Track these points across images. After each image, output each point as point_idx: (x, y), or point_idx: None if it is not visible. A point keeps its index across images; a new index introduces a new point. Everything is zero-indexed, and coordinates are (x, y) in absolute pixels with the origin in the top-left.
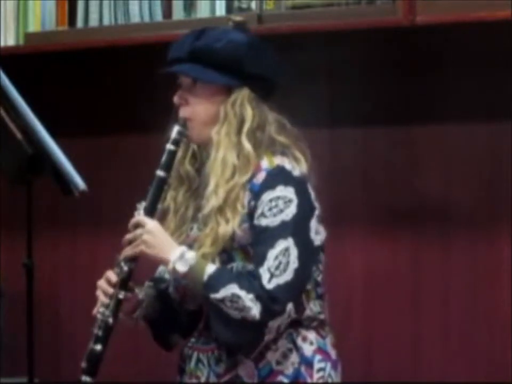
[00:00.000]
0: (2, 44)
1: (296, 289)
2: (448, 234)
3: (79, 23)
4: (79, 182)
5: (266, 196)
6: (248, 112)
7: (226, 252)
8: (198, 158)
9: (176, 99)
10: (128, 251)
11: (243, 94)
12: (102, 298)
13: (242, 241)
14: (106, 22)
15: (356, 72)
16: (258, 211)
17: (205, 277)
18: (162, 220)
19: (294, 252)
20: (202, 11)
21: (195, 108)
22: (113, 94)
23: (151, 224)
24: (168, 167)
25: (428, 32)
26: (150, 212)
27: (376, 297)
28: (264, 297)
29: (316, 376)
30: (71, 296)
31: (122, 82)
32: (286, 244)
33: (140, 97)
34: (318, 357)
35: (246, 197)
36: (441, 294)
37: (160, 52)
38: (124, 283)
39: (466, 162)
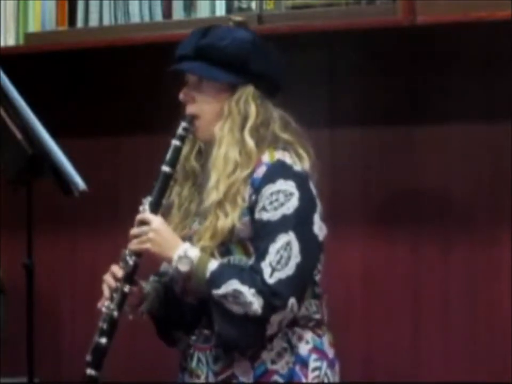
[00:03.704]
0: (2, 44)
1: (298, 283)
2: (448, 234)
3: (79, 23)
4: (79, 182)
5: (267, 190)
6: (252, 109)
7: (225, 245)
8: (203, 154)
9: (181, 96)
10: (133, 246)
11: (247, 91)
12: (106, 292)
13: (242, 235)
14: (106, 22)
15: (356, 72)
16: (259, 205)
17: (207, 274)
18: (167, 214)
19: (295, 246)
20: (202, 11)
21: (201, 105)
22: (113, 94)
23: (157, 222)
24: (173, 163)
25: (427, 32)
26: (155, 208)
27: (375, 297)
28: (266, 291)
29: (311, 375)
30: (71, 296)
31: (122, 82)
32: (287, 237)
33: (140, 97)
34: (313, 356)
35: (247, 191)
36: (441, 294)
37: (160, 52)
38: (129, 277)
39: (466, 162)
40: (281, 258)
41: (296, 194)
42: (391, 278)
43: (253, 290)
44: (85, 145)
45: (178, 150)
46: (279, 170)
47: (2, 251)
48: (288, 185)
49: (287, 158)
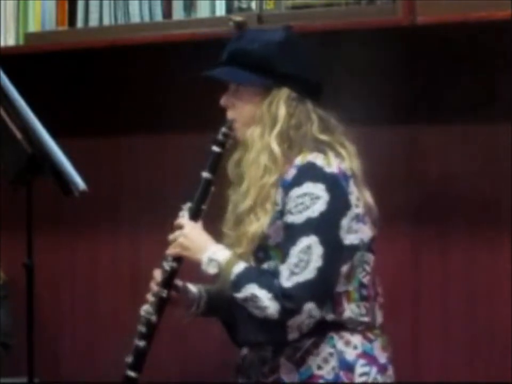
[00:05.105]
0: (2, 44)
1: (319, 288)
2: (448, 235)
3: (79, 23)
4: (79, 182)
5: (294, 193)
6: (281, 112)
7: (264, 250)
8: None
9: (222, 101)
10: (169, 251)
11: (280, 94)
12: (148, 297)
13: (277, 239)
14: (106, 22)
15: (356, 72)
16: (287, 208)
17: (232, 276)
18: (221, 218)
19: (317, 250)
20: (202, 11)
21: (239, 110)
22: (113, 94)
23: (189, 227)
24: (213, 169)
25: (428, 32)
26: (194, 214)
27: None
28: (280, 295)
29: (358, 380)
30: (71, 296)
31: (122, 82)
32: (309, 241)
33: (140, 97)
34: (361, 361)
35: (278, 194)
36: (441, 295)
37: (160, 52)
38: (167, 282)
39: (466, 163)
40: (300, 261)
41: (325, 197)
42: (391, 278)
43: (270, 295)
44: (85, 145)
45: (218, 156)
46: (307, 173)
47: (2, 251)
48: (316, 188)
49: (319, 159)
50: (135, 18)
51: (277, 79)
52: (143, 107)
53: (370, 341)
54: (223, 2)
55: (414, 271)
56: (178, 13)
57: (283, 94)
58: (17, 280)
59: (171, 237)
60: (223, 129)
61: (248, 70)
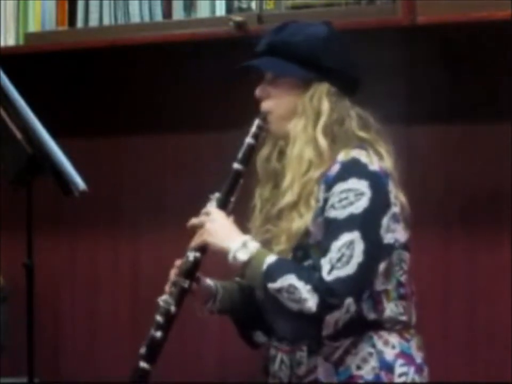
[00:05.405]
0: (2, 44)
1: (358, 284)
2: (448, 235)
3: (79, 23)
4: (79, 182)
5: (338, 188)
6: (325, 106)
7: (303, 248)
8: (285, 155)
9: (257, 92)
10: (194, 241)
11: (321, 88)
12: (167, 287)
13: (318, 237)
14: (106, 22)
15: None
16: (329, 203)
17: (264, 266)
18: (249, 216)
19: (359, 246)
20: (202, 11)
21: (275, 101)
22: (113, 94)
23: (216, 213)
24: (245, 161)
25: (428, 32)
26: (222, 204)
27: None
28: (321, 289)
29: (398, 381)
30: (71, 296)
31: (122, 82)
32: (351, 236)
33: (140, 97)
34: (400, 361)
35: (320, 190)
36: (441, 294)
37: (160, 52)
38: (189, 272)
39: (466, 163)
40: (342, 256)
41: (368, 194)
42: None
43: (308, 287)
44: (85, 145)
45: (251, 148)
46: (353, 169)
47: (2, 251)
48: (360, 185)
49: (363, 156)
50: (135, 18)
51: (320, 72)
52: (143, 107)
53: (407, 340)
54: (223, 2)
55: (414, 271)
56: (178, 13)
57: (324, 88)
58: (17, 280)
59: (195, 220)
60: (258, 121)
61: (291, 62)
